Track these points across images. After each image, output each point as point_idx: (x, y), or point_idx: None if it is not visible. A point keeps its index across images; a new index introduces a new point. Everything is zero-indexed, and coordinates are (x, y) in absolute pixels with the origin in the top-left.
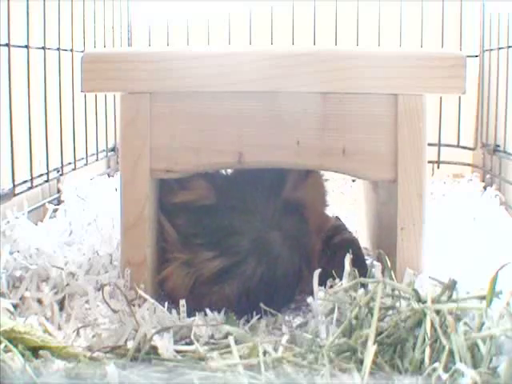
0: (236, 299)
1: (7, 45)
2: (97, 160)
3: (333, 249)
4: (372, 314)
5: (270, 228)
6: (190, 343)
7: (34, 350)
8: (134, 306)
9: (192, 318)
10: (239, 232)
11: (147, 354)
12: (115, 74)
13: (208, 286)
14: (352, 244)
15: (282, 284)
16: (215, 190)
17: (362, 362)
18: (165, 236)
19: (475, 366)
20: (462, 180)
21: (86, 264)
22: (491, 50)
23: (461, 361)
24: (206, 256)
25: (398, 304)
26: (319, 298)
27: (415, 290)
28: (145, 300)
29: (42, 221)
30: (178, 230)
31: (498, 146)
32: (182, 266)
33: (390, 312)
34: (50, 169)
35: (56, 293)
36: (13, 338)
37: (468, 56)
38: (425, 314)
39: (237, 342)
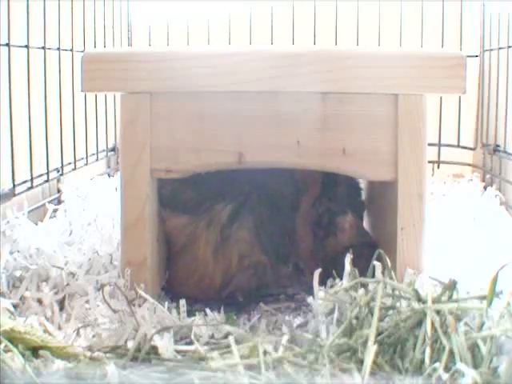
0: (254, 235)
1: (7, 45)
2: (97, 160)
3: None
4: (372, 314)
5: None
6: (190, 343)
7: (34, 350)
8: (134, 305)
9: (192, 318)
10: (237, 179)
11: (147, 354)
12: (115, 73)
13: (228, 228)
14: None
15: (283, 217)
16: None
17: (362, 362)
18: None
19: (476, 366)
20: (462, 180)
21: (86, 264)
22: (491, 49)
23: (461, 361)
24: (220, 208)
25: (398, 304)
26: (319, 297)
27: (415, 290)
28: (145, 300)
29: (42, 221)
30: (191, 196)
31: (498, 145)
32: (205, 227)
33: (391, 312)
34: (50, 169)
35: (56, 293)
36: (13, 338)
37: (468, 56)
38: (425, 314)
39: (237, 342)
